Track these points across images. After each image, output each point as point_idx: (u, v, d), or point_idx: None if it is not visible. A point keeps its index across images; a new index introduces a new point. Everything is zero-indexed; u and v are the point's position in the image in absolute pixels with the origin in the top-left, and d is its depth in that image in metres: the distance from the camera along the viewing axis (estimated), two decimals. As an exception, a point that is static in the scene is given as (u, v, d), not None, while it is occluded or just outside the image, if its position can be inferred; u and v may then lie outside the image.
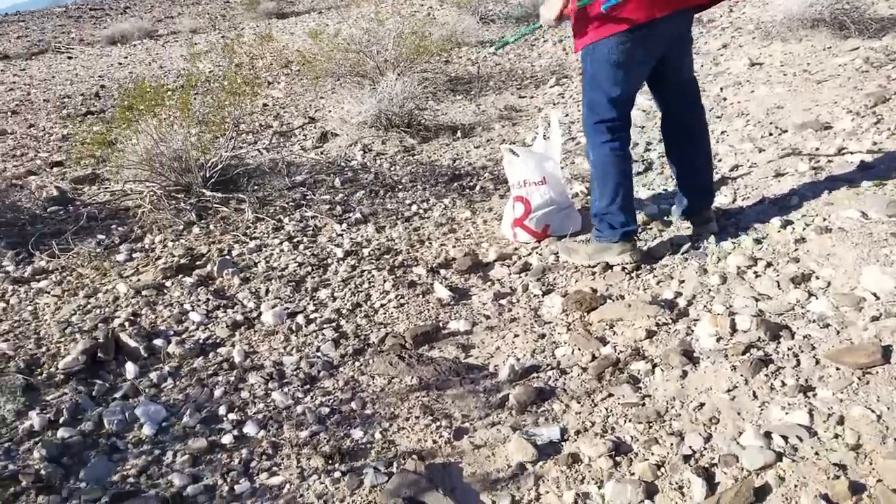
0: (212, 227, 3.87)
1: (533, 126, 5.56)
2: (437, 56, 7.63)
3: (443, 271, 3.38)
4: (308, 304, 3.15)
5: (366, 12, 9.18)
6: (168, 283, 3.32)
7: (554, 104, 6.12)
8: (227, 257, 3.53)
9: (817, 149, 4.09)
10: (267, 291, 3.24)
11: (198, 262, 3.51)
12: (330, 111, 6.24)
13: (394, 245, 3.68)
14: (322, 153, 5.20)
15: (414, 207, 4.13)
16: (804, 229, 3.20)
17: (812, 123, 4.41)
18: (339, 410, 2.44)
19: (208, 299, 3.16)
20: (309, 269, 3.43)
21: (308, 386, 2.59)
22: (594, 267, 3.20)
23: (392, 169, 4.80)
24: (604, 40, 2.85)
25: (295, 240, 3.73)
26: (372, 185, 4.48)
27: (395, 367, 2.63)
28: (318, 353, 2.78)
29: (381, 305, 3.12)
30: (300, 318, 3.02)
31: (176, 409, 2.47)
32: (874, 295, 2.57)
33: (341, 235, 3.79)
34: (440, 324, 2.94)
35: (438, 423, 2.33)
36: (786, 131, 4.44)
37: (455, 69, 7.75)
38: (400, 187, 4.44)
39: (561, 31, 8.55)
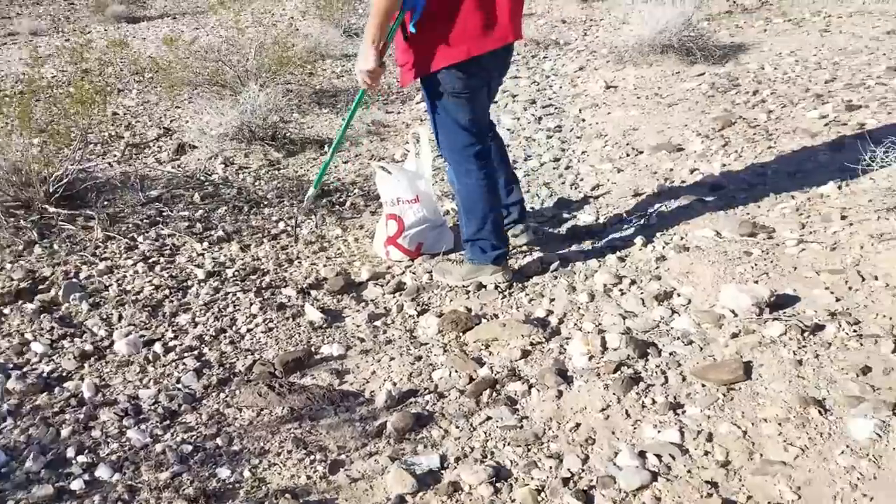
0: (56, 246, 3.54)
1: (401, 141, 5.53)
2: (301, 68, 7.45)
3: (314, 292, 3.27)
4: (166, 330, 2.95)
5: (224, 20, 8.86)
6: (6, 310, 3.00)
7: (422, 120, 6.11)
8: (74, 280, 3.24)
9: (671, 169, 4.30)
10: (119, 318, 2.99)
11: (40, 287, 3.20)
12: (187, 122, 5.92)
13: (260, 265, 3.51)
14: (179, 166, 4.92)
15: (281, 224, 3.97)
16: (664, 248, 3.34)
17: (665, 145, 4.64)
18: (203, 448, 2.28)
19: (52, 327, 2.89)
20: (167, 291, 3.21)
21: (168, 422, 2.41)
22: (467, 286, 3.19)
23: (256, 184, 4.61)
24: (441, 72, 2.82)
25: (150, 260, 3.48)
26: (235, 200, 4.28)
27: (265, 398, 2.49)
28: (179, 385, 2.60)
29: (248, 330, 2.96)
30: (157, 347, 2.81)
31: (17, 453, 2.22)
32: (732, 312, 2.69)
33: (202, 255, 3.58)
34: (312, 348, 2.83)
35: (312, 457, 2.22)
36: (642, 152, 4.64)
37: (320, 82, 7.59)
38: (265, 203, 4.27)
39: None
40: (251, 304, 3.12)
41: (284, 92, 6.46)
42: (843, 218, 3.29)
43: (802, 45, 6.57)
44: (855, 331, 2.50)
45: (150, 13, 14.56)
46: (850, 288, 2.76)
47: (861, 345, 2.43)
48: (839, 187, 3.57)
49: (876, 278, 2.79)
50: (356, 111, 3.30)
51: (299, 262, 3.55)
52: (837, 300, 2.70)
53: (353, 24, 9.87)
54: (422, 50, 2.79)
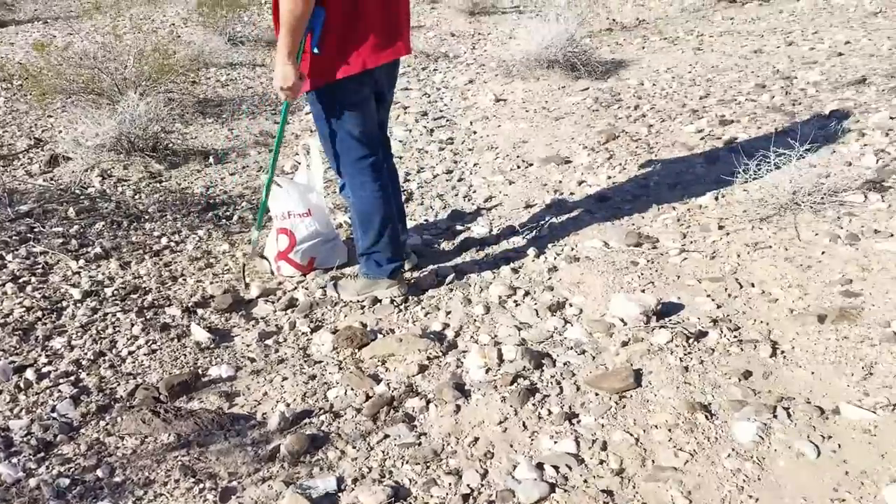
0: (-89, 267, 3.25)
1: (291, 153, 5.41)
2: (183, 76, 7.18)
3: (200, 311, 3.13)
4: (39, 355, 2.74)
5: (100, 25, 8.45)
6: None
7: (311, 131, 6.01)
8: (-68, 304, 2.98)
9: (560, 181, 4.40)
10: (-15, 343, 2.77)
11: None
12: (61, 132, 5.59)
13: (142, 283, 3.34)
14: (52, 179, 4.62)
15: (164, 240, 3.79)
16: (556, 259, 3.40)
17: (554, 158, 4.74)
18: (82, 481, 2.13)
19: None
20: (39, 314, 2.99)
21: (43, 454, 2.24)
22: (363, 301, 3.14)
23: (137, 197, 4.39)
24: (337, 82, 2.79)
25: (21, 280, 3.24)
26: (113, 215, 4.06)
27: (149, 424, 2.35)
28: (54, 414, 2.42)
29: (130, 353, 2.80)
30: (30, 374, 2.61)
31: None
32: (622, 321, 2.77)
33: (78, 273, 3.36)
34: (199, 371, 2.70)
35: (202, 485, 2.11)
36: (532, 164, 4.73)
37: (204, 91, 7.35)
38: (147, 217, 4.07)
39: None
40: (132, 325, 2.95)
41: (166, 101, 6.20)
42: (720, 228, 3.45)
43: (678, 63, 6.90)
44: (735, 336, 2.62)
45: (19, 17, 13.71)
46: (729, 295, 2.90)
47: (741, 350, 2.55)
48: (716, 198, 3.76)
49: (752, 285, 2.95)
50: (284, 128, 3.19)
51: (184, 280, 3.39)
52: (718, 307, 2.82)
53: (237, 33, 9.61)
54: (319, 62, 2.74)
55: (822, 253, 3.06)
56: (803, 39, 7.18)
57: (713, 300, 2.87)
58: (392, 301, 3.12)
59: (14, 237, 3.62)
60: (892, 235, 3.06)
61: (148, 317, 3.04)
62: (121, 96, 5.51)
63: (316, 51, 2.70)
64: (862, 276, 2.84)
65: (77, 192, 4.38)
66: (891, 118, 4.35)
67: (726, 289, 2.94)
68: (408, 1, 2.95)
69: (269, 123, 6.22)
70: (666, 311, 2.81)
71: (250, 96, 7.18)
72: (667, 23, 9.26)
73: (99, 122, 5.08)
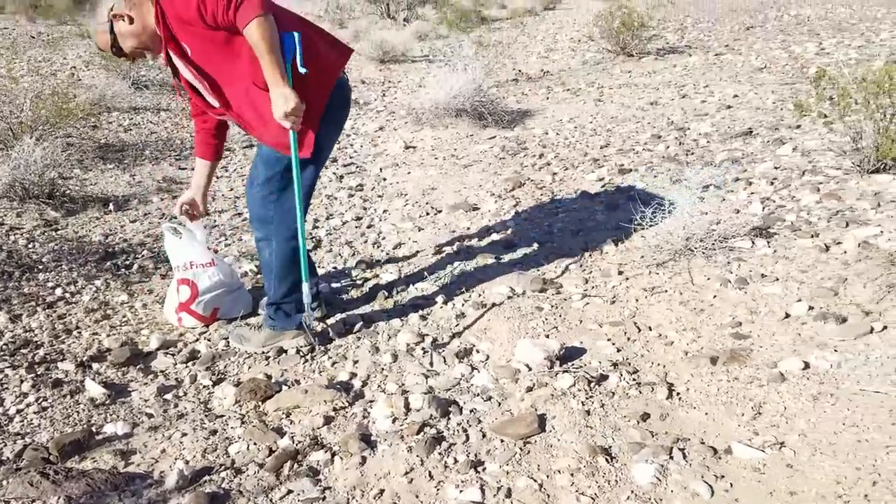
0: None
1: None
2: (83, 120, 6.97)
3: (96, 365, 3.00)
4: (-85, 417, 2.57)
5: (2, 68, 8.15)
6: None
7: (216, 177, 5.92)
8: None
9: (468, 228, 4.47)
10: None
11: None
12: (-52, 178, 5.32)
13: (33, 336, 3.18)
14: (-64, 228, 4.38)
15: (59, 291, 3.63)
16: (463, 305, 3.44)
17: (462, 205, 4.83)
18: (-41, 553, 1.99)
19: None
20: (-84, 372, 2.81)
21: (-86, 525, 2.08)
22: (268, 352, 3.08)
23: (30, 246, 4.20)
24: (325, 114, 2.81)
25: None
26: (4, 265, 3.86)
27: (37, 487, 2.22)
28: (-70, 481, 2.26)
29: (18, 412, 2.65)
30: None
31: None
32: (527, 366, 2.81)
33: (-38, 328, 3.19)
34: (93, 428, 2.58)
35: (93, 551, 2.01)
36: (440, 211, 4.79)
37: (105, 135, 7.15)
38: (40, 268, 3.90)
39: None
40: (22, 382, 2.80)
41: (64, 146, 6.01)
42: (620, 273, 3.58)
43: (580, 113, 7.18)
44: (634, 379, 2.70)
45: None
46: (628, 339, 3.00)
47: (640, 392, 2.63)
48: (616, 244, 3.90)
49: (650, 328, 3.06)
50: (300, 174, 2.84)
51: (79, 333, 3.25)
52: (618, 350, 2.91)
53: (142, 76, 9.43)
54: (311, 91, 2.72)
55: (714, 297, 3.21)
56: (695, 92, 7.60)
57: (613, 344, 2.95)
58: (298, 352, 3.08)
59: None
60: (777, 279, 3.24)
61: (39, 372, 2.89)
62: (15, 141, 5.30)
63: (304, 70, 2.63)
64: (750, 319, 2.99)
65: (-37, 241, 4.16)
66: (775, 168, 4.64)
67: (626, 332, 3.04)
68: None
69: (174, 169, 6.10)
70: (569, 355, 2.88)
71: (154, 141, 7.03)
72: (570, 75, 9.64)
73: (-10, 168, 4.86)
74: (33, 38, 16.83)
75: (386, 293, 3.60)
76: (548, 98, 8.24)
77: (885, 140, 4.09)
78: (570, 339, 3.02)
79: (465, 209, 4.75)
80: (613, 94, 7.99)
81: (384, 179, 5.64)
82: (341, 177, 5.71)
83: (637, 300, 3.30)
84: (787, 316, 2.96)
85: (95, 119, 7.60)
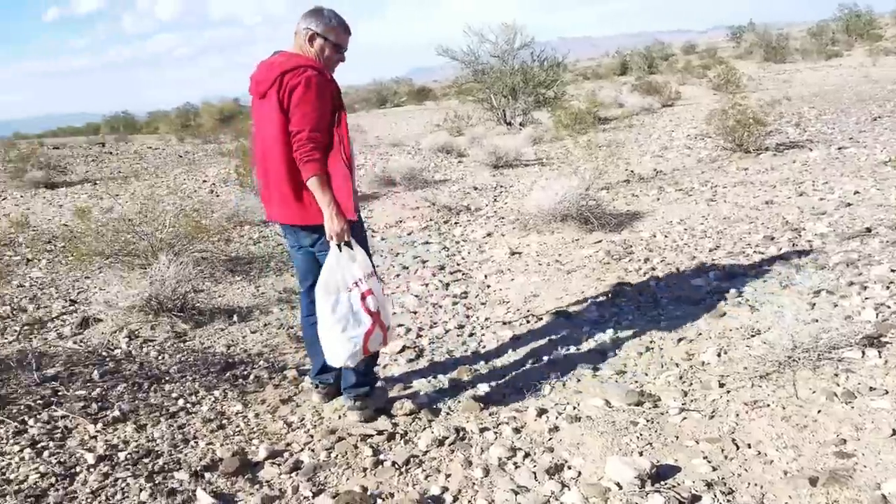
0: (-62, 433, 3.40)
1: (311, 310, 5.61)
2: (216, 235, 7.58)
3: (208, 474, 3.20)
4: (48, 523, 2.82)
5: (142, 188, 9.02)
6: None
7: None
8: (-47, 470, 3.10)
9: (567, 336, 4.49)
10: (-2, 511, 2.86)
11: (-86, 479, 3.05)
12: (95, 293, 5.91)
13: (155, 446, 3.44)
14: (82, 341, 4.85)
15: (181, 401, 3.92)
16: (557, 418, 3.44)
17: (563, 312, 4.86)
18: None
19: (-78, 525, 2.73)
20: (53, 480, 3.09)
21: None
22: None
23: (160, 357, 4.58)
24: None
25: (39, 445, 3.37)
26: (136, 376, 4.23)
27: None
28: (54, 585, 2.47)
29: (135, 521, 2.86)
30: (36, 542, 2.68)
31: None
32: (617, 485, 2.77)
33: (95, 437, 3.48)
34: (200, 538, 2.75)
35: None
36: (541, 319, 4.84)
37: (236, 248, 7.73)
38: (167, 379, 4.22)
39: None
40: (140, 491, 3.02)
41: (198, 261, 6.54)
42: (721, 385, 3.49)
43: (691, 214, 7.11)
44: (729, 500, 2.60)
45: (70, 178, 14.67)
46: (725, 456, 2.90)
47: (736, 515, 2.53)
48: (719, 355, 3.80)
49: (749, 446, 2.95)
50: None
51: (196, 443, 3.49)
52: (714, 469, 2.82)
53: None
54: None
55: (818, 412, 3.07)
56: (814, 189, 7.39)
57: (709, 462, 2.87)
58: (394, 464, 3.17)
59: (38, 401, 3.78)
60: (886, 393, 3.07)
61: (157, 482, 3.11)
62: (154, 258, 5.83)
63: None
64: (855, 436, 2.83)
65: (104, 353, 4.58)
66: (892, 271, 4.42)
67: (723, 450, 2.94)
68: (277, 171, 3.36)
69: (294, 280, 6.48)
70: (662, 473, 2.81)
71: (279, 253, 7.51)
72: (684, 174, 9.58)
73: (131, 284, 5.37)
74: (180, 156, 18.52)
75: (481, 405, 3.65)
76: (659, 199, 8.21)
77: None
78: (663, 457, 2.96)
79: (566, 317, 4.78)
80: (727, 194, 7.88)
81: (488, 286, 5.77)
82: (447, 284, 5.89)
83: (737, 415, 3.20)
84: (894, 433, 2.78)
85: (228, 233, 8.24)
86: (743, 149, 10.39)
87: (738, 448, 2.94)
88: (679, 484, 2.75)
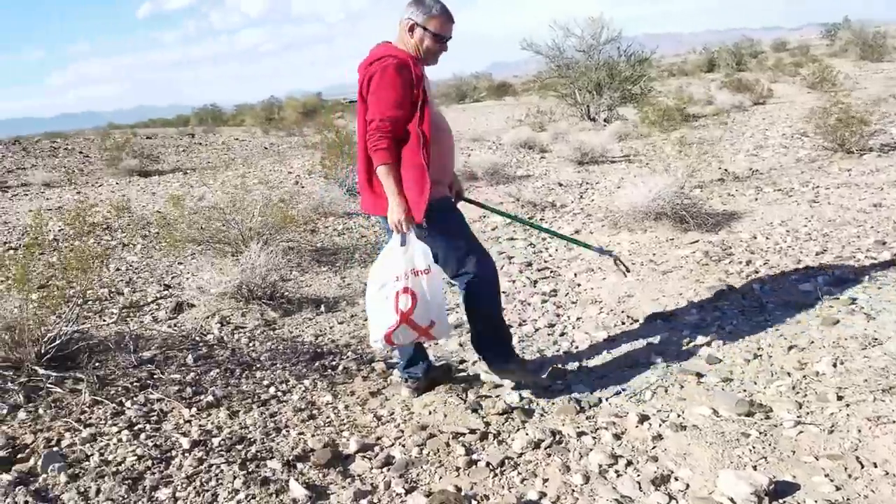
0: (41, 411, 3.47)
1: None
2: (303, 226, 7.64)
3: (300, 465, 3.16)
4: (144, 506, 2.83)
5: (231, 178, 9.17)
6: (-21, 481, 2.89)
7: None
8: (55, 449, 3.14)
9: (667, 340, 4.29)
10: (98, 491, 2.87)
11: (20, 455, 3.10)
12: (188, 279, 6.01)
13: (248, 433, 3.43)
14: (176, 325, 4.93)
15: (272, 389, 3.91)
16: (660, 426, 3.27)
17: (660, 314, 4.66)
18: None
19: (27, 501, 2.77)
20: (149, 462, 3.11)
21: None
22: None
23: (251, 345, 4.60)
24: None
25: (136, 427, 3.40)
26: (228, 362, 4.25)
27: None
28: (152, 569, 2.46)
29: (229, 508, 2.84)
30: (134, 525, 2.68)
31: None
32: (731, 500, 2.60)
33: (189, 422, 3.50)
34: (294, 530, 2.70)
35: None
36: (637, 321, 4.65)
37: (321, 239, 7.77)
38: (258, 366, 4.23)
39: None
40: (235, 478, 3.01)
41: (286, 250, 6.59)
42: (839, 398, 3.24)
43: (793, 216, 6.76)
44: (858, 526, 2.40)
45: (162, 167, 15.14)
46: (849, 475, 2.68)
47: (866, 541, 2.32)
48: (834, 365, 3.55)
49: (875, 465, 2.72)
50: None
51: (287, 432, 3.46)
52: (837, 489, 2.61)
53: (355, 183, 10.19)
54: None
55: (955, 433, 2.81)
56: (927, 192, 6.92)
57: (832, 481, 2.65)
58: (488, 464, 3.07)
59: (135, 383, 3.83)
60: None
61: (250, 469, 3.09)
62: (244, 247, 5.89)
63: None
64: None
65: (197, 338, 4.63)
66: None
67: (846, 468, 2.72)
68: (360, 159, 3.45)
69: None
70: (780, 490, 2.62)
71: (363, 245, 7.51)
72: (781, 173, 9.16)
73: (222, 270, 5.43)
74: (266, 148, 18.89)
75: (577, 407, 3.51)
76: (756, 199, 7.85)
77: None
78: (780, 473, 2.75)
79: (664, 319, 4.58)
80: (830, 195, 7.46)
81: (578, 285, 5.60)
82: (535, 282, 5.75)
83: (860, 430, 2.96)
84: None
85: (313, 224, 8.30)
86: (845, 149, 9.85)
87: (862, 467, 2.72)
88: (800, 502, 2.55)
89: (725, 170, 9.90)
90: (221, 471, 3.07)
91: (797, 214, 6.80)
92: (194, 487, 2.95)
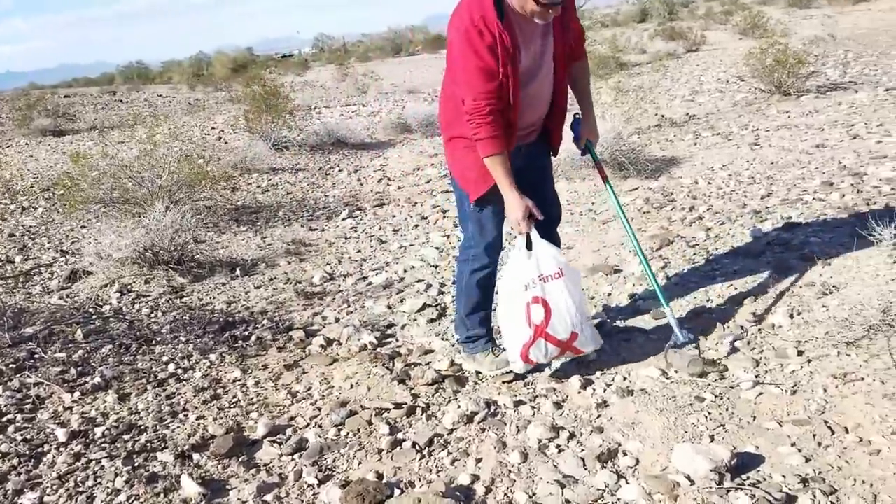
0: None
1: (322, 262, 5.11)
2: (222, 182, 7.06)
3: (196, 456, 2.73)
4: (4, 514, 2.38)
5: (148, 135, 8.50)
6: None
7: (346, 238, 5.74)
8: None
9: (609, 294, 3.97)
10: (-56, 501, 2.41)
11: None
12: (89, 244, 5.43)
13: (138, 420, 2.97)
14: (69, 296, 4.39)
15: (171, 367, 3.45)
16: (605, 391, 2.94)
17: (602, 266, 4.33)
18: None
19: None
20: (15, 461, 2.64)
21: None
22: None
23: (152, 315, 4.11)
24: None
25: (5, 418, 2.92)
26: (123, 337, 3.76)
27: None
28: None
29: (106, 513, 2.40)
30: (-13, 540, 2.24)
31: None
32: (688, 478, 2.27)
33: (70, 409, 3.03)
34: (181, 537, 2.29)
35: None
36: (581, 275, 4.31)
37: (243, 197, 7.22)
38: (158, 339, 3.75)
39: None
40: (116, 476, 2.56)
41: (202, 209, 6.05)
42: (799, 353, 2.95)
43: (734, 159, 6.50)
44: (832, 503, 2.09)
45: (78, 126, 14.17)
46: (819, 444, 2.38)
47: (842, 522, 2.02)
48: (791, 316, 3.26)
49: (846, 430, 2.42)
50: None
51: (185, 416, 3.02)
52: (807, 460, 2.30)
53: (283, 137, 9.61)
54: None
55: (929, 388, 2.54)
56: (868, 132, 6.73)
57: (800, 451, 2.35)
58: (415, 445, 2.69)
59: (10, 365, 3.33)
60: None
61: (136, 464, 2.65)
62: (151, 207, 5.34)
63: None
64: (984, 421, 2.31)
65: (91, 310, 4.12)
66: None
67: (815, 435, 2.42)
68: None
69: (304, 230, 5.99)
70: (742, 464, 2.30)
71: (289, 202, 7.02)
72: (719, 118, 8.93)
73: (122, 233, 4.88)
74: (191, 104, 17.95)
75: (515, 373, 3.16)
76: (695, 143, 7.58)
77: None
78: (742, 443, 2.44)
79: (606, 272, 4.25)
80: (771, 137, 7.23)
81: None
82: (472, 236, 5.36)
83: (825, 390, 2.66)
84: None
85: (235, 181, 7.73)
86: (782, 91, 9.67)
87: (833, 433, 2.41)
88: (766, 479, 2.23)
89: (662, 115, 9.64)
90: (102, 467, 2.63)
91: (738, 158, 6.54)
92: (66, 489, 2.51)
